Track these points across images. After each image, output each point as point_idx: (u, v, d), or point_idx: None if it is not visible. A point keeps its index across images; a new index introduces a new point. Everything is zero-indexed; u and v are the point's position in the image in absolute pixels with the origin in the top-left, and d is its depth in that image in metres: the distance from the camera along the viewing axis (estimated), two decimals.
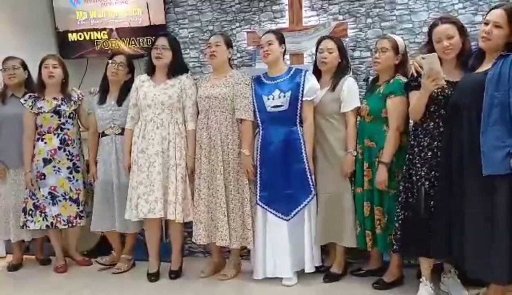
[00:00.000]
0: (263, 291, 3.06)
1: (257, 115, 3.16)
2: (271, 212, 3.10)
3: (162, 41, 3.24)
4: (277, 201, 3.09)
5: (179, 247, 3.36)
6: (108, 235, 3.56)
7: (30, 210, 3.48)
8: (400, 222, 2.76)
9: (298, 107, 3.08)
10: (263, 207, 3.12)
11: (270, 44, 3.10)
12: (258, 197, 3.13)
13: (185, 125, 3.26)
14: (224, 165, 3.14)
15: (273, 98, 3.11)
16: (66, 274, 3.53)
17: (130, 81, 3.44)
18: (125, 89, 3.42)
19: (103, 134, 3.44)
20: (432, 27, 2.67)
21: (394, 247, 2.80)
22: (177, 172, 3.17)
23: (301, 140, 3.07)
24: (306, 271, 3.09)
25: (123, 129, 3.38)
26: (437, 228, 2.60)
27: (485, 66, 2.49)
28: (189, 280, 3.28)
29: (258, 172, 3.14)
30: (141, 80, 3.32)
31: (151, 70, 3.32)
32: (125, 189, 3.30)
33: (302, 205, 3.07)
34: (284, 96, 3.08)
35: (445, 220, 2.58)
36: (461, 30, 2.61)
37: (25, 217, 3.48)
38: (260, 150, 3.14)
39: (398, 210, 2.78)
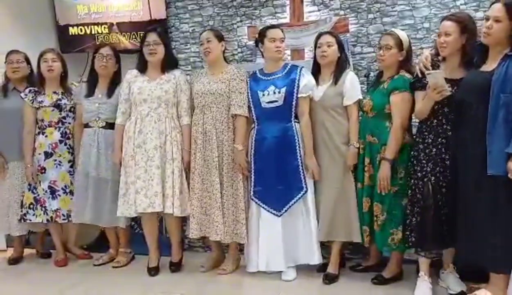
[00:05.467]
0: (262, 286, 3.07)
1: (252, 110, 3.16)
2: (264, 208, 3.11)
3: (152, 37, 3.23)
4: (270, 196, 3.09)
5: (177, 239, 3.37)
6: (106, 230, 3.58)
7: (31, 203, 3.48)
8: (410, 218, 2.76)
9: (293, 103, 3.08)
10: (257, 202, 3.13)
11: (282, 41, 3.12)
12: (252, 192, 3.14)
13: (179, 120, 3.26)
14: (219, 160, 3.15)
15: (268, 94, 3.10)
16: (66, 268, 3.53)
17: (118, 72, 3.45)
18: (114, 81, 3.43)
19: (87, 126, 3.44)
20: (441, 21, 2.70)
21: (409, 243, 2.78)
22: (173, 166, 3.17)
23: (296, 137, 3.07)
24: (312, 263, 3.08)
25: (107, 123, 3.38)
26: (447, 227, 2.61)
27: (490, 64, 2.49)
28: (189, 275, 3.29)
29: (252, 167, 3.14)
30: (133, 75, 3.31)
31: (143, 67, 3.30)
32: (103, 184, 3.34)
33: (293, 201, 3.06)
34: (279, 92, 3.08)
35: (451, 217, 2.60)
36: (465, 29, 2.60)
37: (22, 210, 3.49)
38: (254, 145, 3.15)
39: (408, 207, 2.78)
